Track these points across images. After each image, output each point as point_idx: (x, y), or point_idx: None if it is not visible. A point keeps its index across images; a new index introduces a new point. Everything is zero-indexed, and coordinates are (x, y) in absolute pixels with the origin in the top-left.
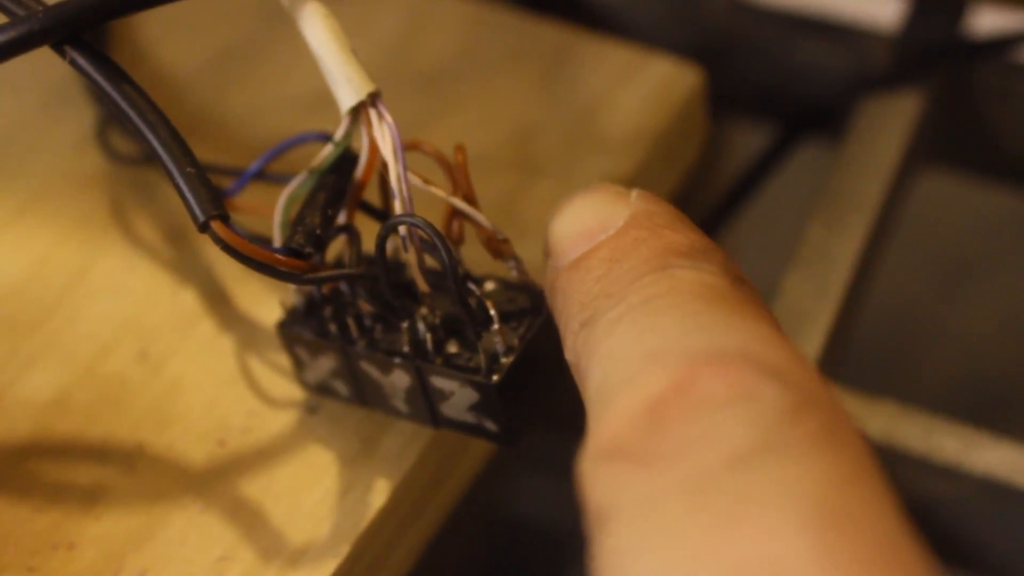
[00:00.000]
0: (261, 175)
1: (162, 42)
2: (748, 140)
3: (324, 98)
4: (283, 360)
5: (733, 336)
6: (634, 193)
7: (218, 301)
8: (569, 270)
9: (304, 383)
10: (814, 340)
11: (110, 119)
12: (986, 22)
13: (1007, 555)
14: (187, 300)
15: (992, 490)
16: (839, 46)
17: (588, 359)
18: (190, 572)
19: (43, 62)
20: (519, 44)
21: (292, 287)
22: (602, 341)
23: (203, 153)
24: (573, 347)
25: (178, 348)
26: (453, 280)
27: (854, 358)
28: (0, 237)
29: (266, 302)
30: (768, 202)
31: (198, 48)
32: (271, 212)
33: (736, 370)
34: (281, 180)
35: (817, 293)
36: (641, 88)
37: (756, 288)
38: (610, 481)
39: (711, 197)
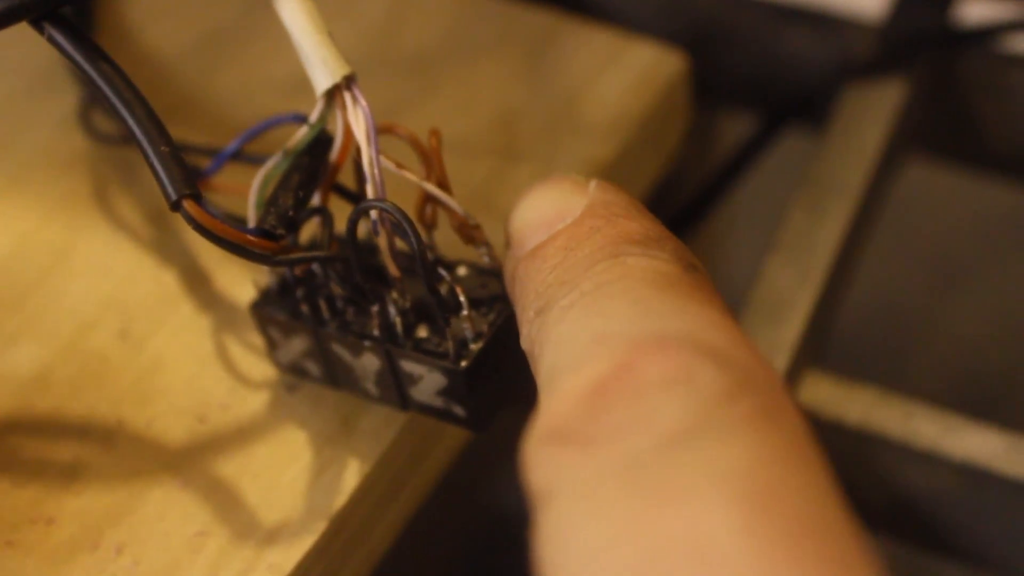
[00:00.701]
0: (239, 156)
1: (148, 25)
2: (732, 128)
3: (307, 81)
4: (260, 340)
5: (678, 320)
6: (592, 183)
7: (198, 281)
8: (526, 259)
9: (277, 363)
10: (794, 326)
11: (93, 100)
12: (973, 12)
13: (986, 540)
14: (168, 280)
15: (971, 476)
16: (824, 34)
17: (541, 346)
18: (168, 547)
19: (27, 44)
20: (503, 29)
21: (267, 268)
22: (554, 327)
23: (188, 134)
24: (528, 335)
25: (159, 327)
26: (422, 265)
27: (838, 351)
28: None
29: (245, 283)
30: (751, 190)
31: (184, 30)
32: (246, 191)
33: (676, 352)
34: (259, 161)
35: (798, 279)
36: (624, 73)
37: (708, 275)
38: (551, 463)
39: (695, 184)
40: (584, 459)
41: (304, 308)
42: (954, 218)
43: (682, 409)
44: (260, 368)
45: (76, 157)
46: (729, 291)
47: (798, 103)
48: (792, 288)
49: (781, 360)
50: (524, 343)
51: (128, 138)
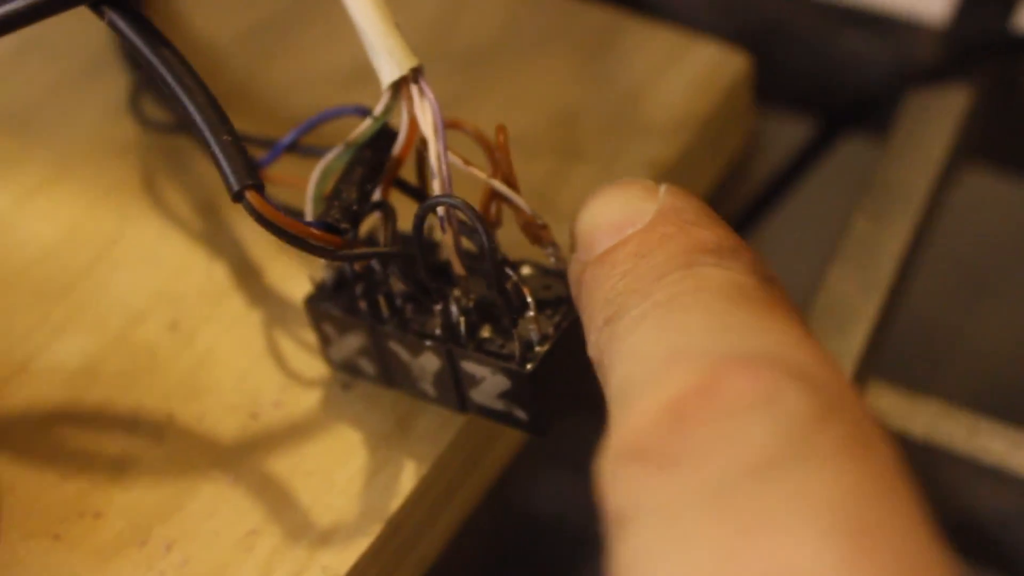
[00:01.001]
0: (295, 147)
1: (198, 13)
2: (789, 132)
3: (362, 72)
4: (313, 336)
5: (760, 337)
6: (663, 188)
7: (250, 274)
8: (595, 264)
9: (330, 360)
10: (859, 335)
11: (143, 86)
12: None
13: None
14: (218, 272)
15: None
16: (886, 38)
17: (611, 356)
18: (218, 546)
19: (77, 29)
20: (561, 25)
21: (323, 262)
22: (625, 338)
23: (239, 125)
24: (596, 343)
25: (209, 319)
26: (491, 264)
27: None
28: (31, 203)
29: (297, 277)
30: (808, 195)
31: (235, 19)
32: (304, 184)
33: (762, 372)
34: (315, 153)
35: (862, 288)
36: (686, 73)
37: (785, 289)
38: (630, 483)
39: (752, 189)
40: (666, 481)
41: (362, 305)
42: (992, 226)
43: (771, 434)
44: (313, 365)
45: (125, 145)
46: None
47: (857, 108)
48: (856, 297)
49: (846, 369)
50: (591, 351)
51: (179, 126)
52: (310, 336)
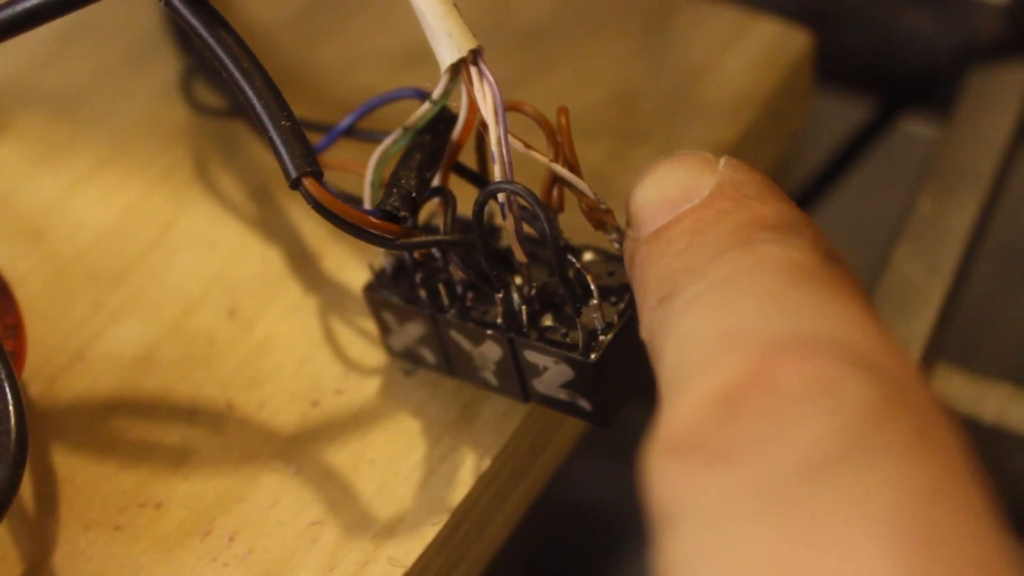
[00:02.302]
0: (351, 132)
1: None
2: (848, 110)
3: (416, 54)
4: (371, 324)
5: (819, 320)
6: (722, 161)
7: (306, 260)
8: (648, 241)
9: (390, 348)
10: (926, 318)
11: (194, 70)
12: None
13: None
14: (274, 258)
15: None
16: (947, 15)
17: (663, 339)
18: (282, 536)
19: (122, 13)
20: (619, 3)
21: (382, 250)
22: (679, 320)
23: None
24: (649, 324)
25: (267, 306)
26: (554, 252)
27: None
28: (84, 188)
29: (354, 264)
30: (869, 175)
31: (285, 2)
32: (359, 169)
33: (820, 358)
34: (371, 138)
35: (928, 270)
36: (748, 51)
37: (850, 267)
38: (678, 479)
39: (811, 168)
40: (715, 478)
41: (421, 293)
42: None
43: (828, 427)
44: (373, 352)
45: (176, 129)
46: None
47: (919, 86)
48: (922, 278)
49: (914, 352)
50: (644, 333)
51: (232, 110)
52: (369, 323)
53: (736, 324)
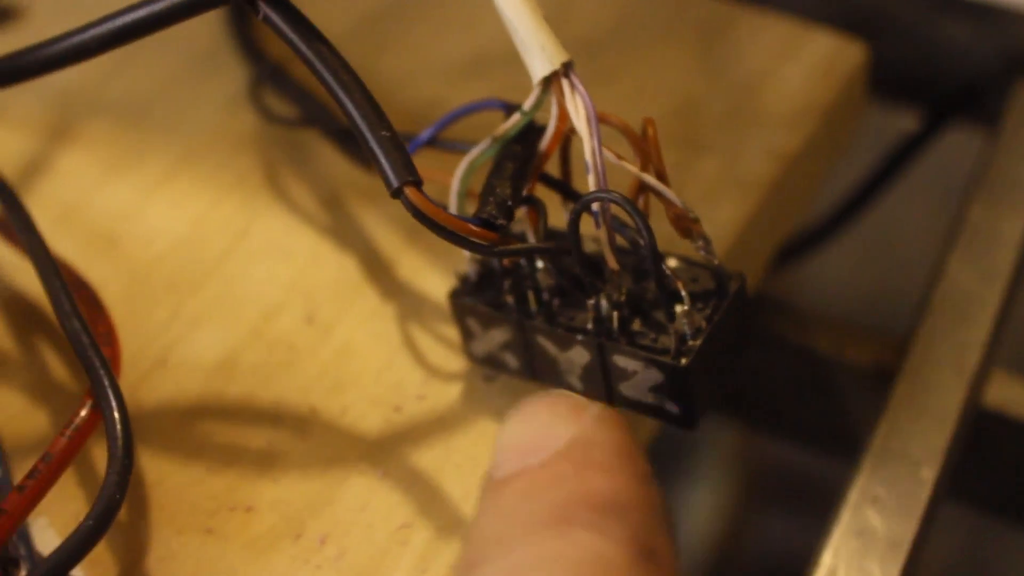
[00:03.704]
0: (433, 142)
1: (306, 6)
2: (891, 121)
3: (477, 63)
4: (450, 329)
5: None
6: (593, 410)
7: (381, 268)
8: (487, 492)
9: (471, 354)
10: (982, 325)
11: (263, 79)
12: None
13: None
14: (350, 265)
15: None
16: (991, 27)
17: None
18: (372, 539)
19: (189, 21)
20: (675, 14)
21: (465, 256)
22: None
23: None
24: None
25: (345, 313)
26: (653, 259)
27: None
28: (156, 196)
29: (429, 270)
30: (915, 184)
31: (346, 12)
32: (439, 178)
33: None
34: (449, 147)
35: (982, 277)
36: (805, 62)
37: (669, 562)
38: None
39: (855, 179)
40: None
41: (508, 299)
42: None
43: None
44: (453, 358)
45: (244, 138)
46: (904, 287)
47: (964, 97)
48: (976, 287)
49: (971, 360)
50: None
51: (302, 120)
52: (448, 329)
53: None
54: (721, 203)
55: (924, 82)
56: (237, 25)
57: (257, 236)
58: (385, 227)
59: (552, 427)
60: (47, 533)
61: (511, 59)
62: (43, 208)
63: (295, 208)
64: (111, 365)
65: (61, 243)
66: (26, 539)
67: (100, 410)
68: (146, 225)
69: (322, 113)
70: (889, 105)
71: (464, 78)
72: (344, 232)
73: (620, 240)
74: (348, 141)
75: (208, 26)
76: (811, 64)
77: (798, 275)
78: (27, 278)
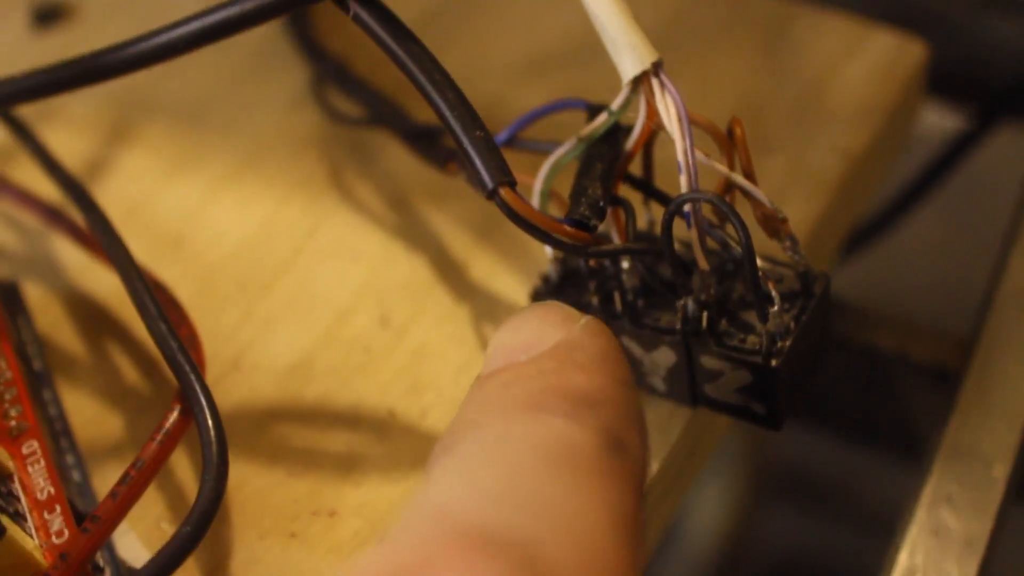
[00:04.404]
0: (511, 142)
1: None
2: (940, 119)
3: (539, 61)
4: None
5: (531, 517)
6: (583, 320)
7: (452, 269)
8: (476, 384)
9: None
10: None
11: (324, 78)
12: None
13: None
14: (421, 266)
15: None
16: None
17: (423, 486)
18: None
19: None
20: (733, 14)
21: (548, 257)
22: (437, 476)
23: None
24: (428, 466)
25: (419, 314)
26: (748, 260)
27: None
28: (221, 197)
29: (502, 272)
30: (969, 181)
31: (407, 7)
32: (520, 178)
33: (479, 562)
34: (529, 147)
35: None
36: (867, 61)
37: (637, 460)
38: None
39: (906, 178)
40: None
41: (593, 300)
42: None
43: None
44: None
45: (307, 138)
46: (966, 284)
47: (1015, 96)
48: None
49: None
50: (424, 475)
51: (368, 119)
52: None
53: (456, 502)
54: (791, 202)
55: (976, 80)
56: (297, 22)
57: (326, 237)
58: (455, 227)
59: (542, 330)
60: (127, 538)
61: (572, 58)
62: (107, 209)
63: (362, 208)
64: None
65: (128, 244)
66: (108, 545)
67: (190, 414)
68: (212, 226)
69: (388, 111)
70: (941, 102)
71: (525, 77)
72: (413, 232)
73: (709, 241)
74: (415, 139)
75: (266, 24)
76: (873, 63)
77: (856, 273)
78: (95, 278)
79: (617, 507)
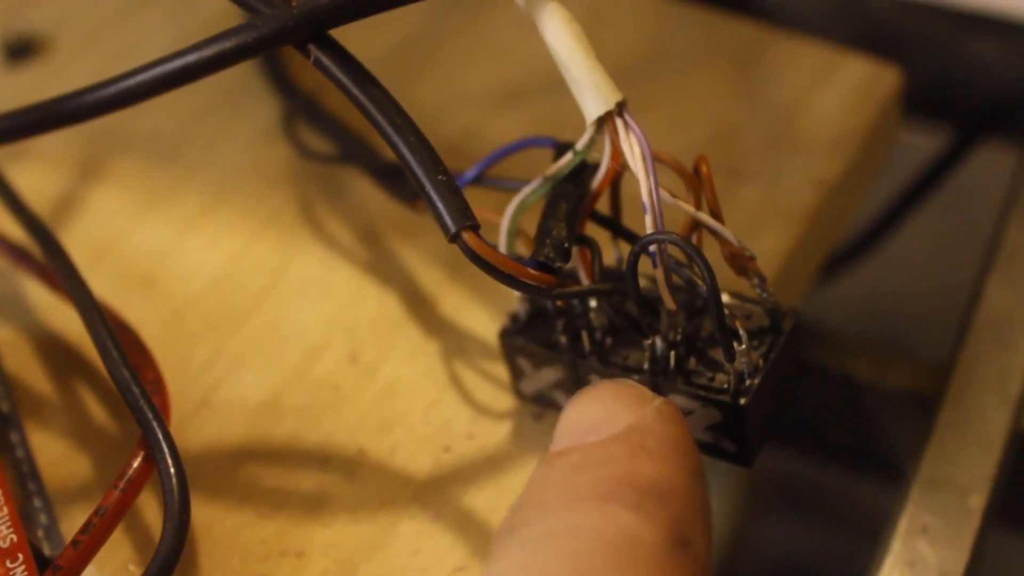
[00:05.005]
0: (479, 179)
1: (343, 32)
2: (918, 140)
3: (512, 94)
4: (496, 366)
5: None
6: (656, 403)
7: (422, 304)
8: (544, 461)
9: (520, 393)
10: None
11: (295, 114)
12: None
13: None
14: (391, 302)
15: None
16: (1020, 44)
17: (485, 569)
18: None
19: None
20: (708, 41)
21: (516, 295)
22: (502, 558)
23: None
24: (491, 547)
25: (388, 351)
26: (715, 302)
27: None
28: (191, 233)
29: (472, 307)
30: (946, 204)
31: (377, 41)
32: (486, 215)
33: None
34: (496, 184)
35: (1022, 298)
36: (841, 88)
37: (702, 556)
38: None
39: (886, 199)
40: None
41: (562, 339)
42: None
43: None
44: (501, 396)
45: (277, 173)
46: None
47: (993, 116)
48: (1017, 309)
49: (1014, 385)
50: (491, 547)
51: (338, 156)
52: (492, 366)
53: None
54: (764, 233)
55: (953, 101)
56: (268, 59)
57: (296, 273)
58: (425, 263)
59: (613, 411)
60: None
61: (545, 89)
62: (77, 247)
63: (333, 244)
64: (161, 413)
65: (97, 283)
66: None
67: (153, 461)
68: (183, 263)
69: (358, 147)
70: (918, 124)
71: (499, 108)
72: (384, 268)
73: (676, 278)
74: (385, 175)
75: None
76: (847, 90)
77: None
78: (62, 318)
79: None
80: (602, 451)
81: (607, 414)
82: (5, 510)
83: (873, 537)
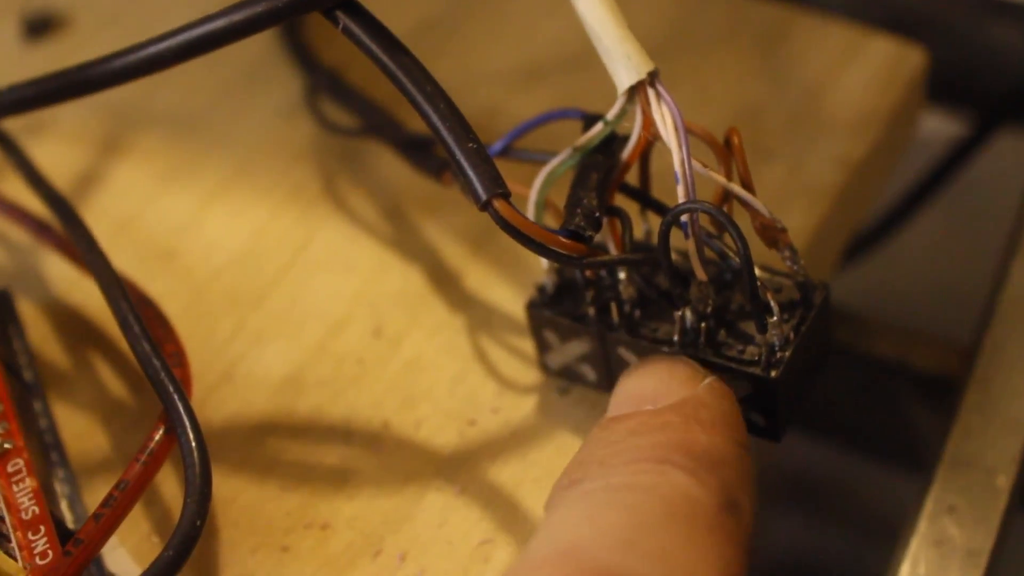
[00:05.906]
0: (506, 152)
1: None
2: (940, 125)
3: (534, 71)
4: (522, 341)
5: (656, 566)
6: (707, 380)
7: (447, 279)
8: (600, 426)
9: (546, 366)
10: None
11: (317, 88)
12: None
13: None
14: (415, 277)
15: None
16: None
17: (548, 516)
18: (453, 556)
19: None
20: (731, 21)
21: (543, 268)
22: (562, 508)
23: (412, 126)
24: (551, 499)
25: (412, 325)
26: (748, 272)
27: None
28: (213, 207)
29: (497, 282)
30: (969, 188)
31: (399, 20)
32: (514, 188)
33: None
34: (523, 157)
35: None
36: (866, 68)
37: (750, 522)
38: None
39: (906, 184)
40: None
41: (590, 311)
42: None
43: None
44: (526, 370)
45: (300, 148)
46: (968, 291)
47: (1015, 101)
48: None
49: None
50: (546, 505)
51: (361, 129)
52: (518, 340)
53: (584, 540)
54: (791, 211)
55: (976, 86)
56: (290, 33)
57: (318, 248)
58: (449, 237)
59: (669, 384)
60: (118, 553)
61: (568, 66)
62: (99, 222)
63: (356, 219)
64: (183, 387)
65: (119, 257)
66: (98, 562)
67: (174, 434)
68: (204, 238)
69: (382, 121)
70: (940, 109)
71: (521, 85)
72: (407, 243)
73: (707, 250)
74: (409, 149)
75: (257, 36)
76: (873, 70)
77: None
78: (84, 293)
79: (728, 564)
80: (658, 419)
81: (663, 386)
82: (27, 481)
83: (885, 532)
